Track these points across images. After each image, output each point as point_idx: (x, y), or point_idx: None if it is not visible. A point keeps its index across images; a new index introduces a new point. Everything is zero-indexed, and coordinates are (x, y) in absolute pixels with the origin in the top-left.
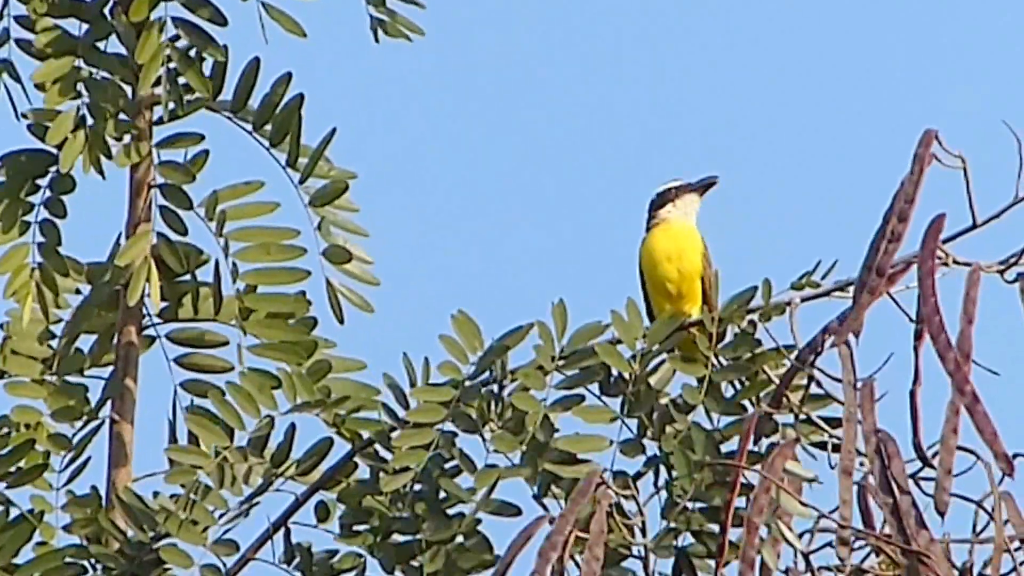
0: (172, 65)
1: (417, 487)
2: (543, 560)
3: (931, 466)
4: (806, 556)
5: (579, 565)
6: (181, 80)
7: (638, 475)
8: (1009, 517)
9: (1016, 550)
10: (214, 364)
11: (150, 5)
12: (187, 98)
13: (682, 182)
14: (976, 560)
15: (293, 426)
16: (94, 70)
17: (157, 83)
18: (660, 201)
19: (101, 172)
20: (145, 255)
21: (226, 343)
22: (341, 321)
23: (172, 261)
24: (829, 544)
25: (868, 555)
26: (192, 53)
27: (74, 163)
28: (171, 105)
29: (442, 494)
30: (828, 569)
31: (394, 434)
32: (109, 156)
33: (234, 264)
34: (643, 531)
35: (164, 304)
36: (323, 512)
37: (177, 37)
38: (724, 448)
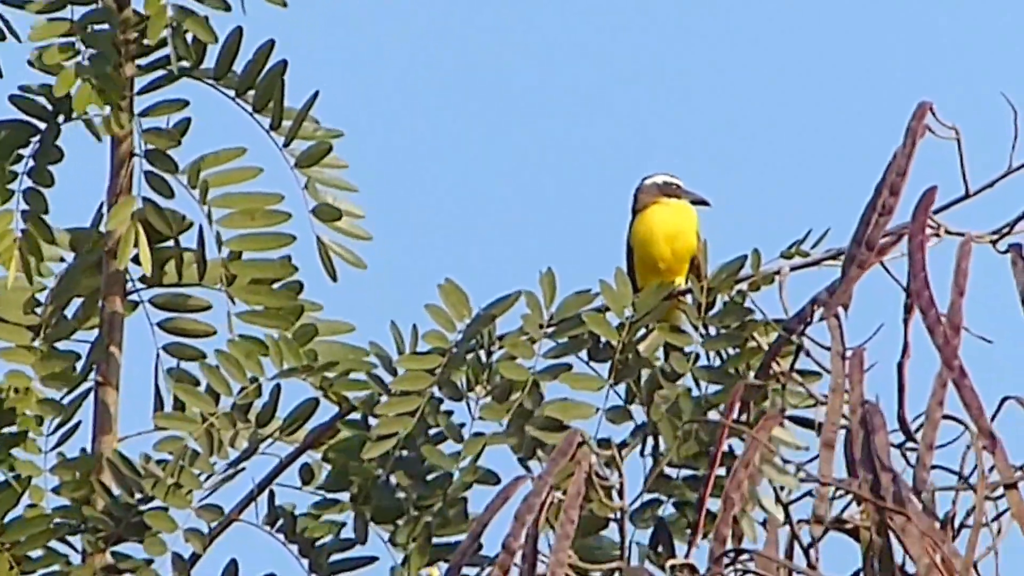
0: (174, 23)
1: (403, 453)
2: (519, 523)
3: (914, 440)
4: (785, 507)
5: (554, 528)
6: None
7: (623, 444)
8: (996, 463)
9: (998, 498)
10: (197, 328)
11: None
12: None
13: (681, 184)
14: (959, 510)
15: (278, 387)
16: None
17: (160, 44)
18: (661, 191)
19: (117, 114)
20: (131, 219)
21: (209, 307)
22: (334, 278)
23: (160, 225)
24: (809, 493)
25: (848, 505)
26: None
27: (87, 105)
28: (182, 62)
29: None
30: (807, 521)
31: (382, 399)
32: (119, 105)
33: (218, 232)
34: (620, 494)
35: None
36: (308, 474)
37: None
38: (712, 416)
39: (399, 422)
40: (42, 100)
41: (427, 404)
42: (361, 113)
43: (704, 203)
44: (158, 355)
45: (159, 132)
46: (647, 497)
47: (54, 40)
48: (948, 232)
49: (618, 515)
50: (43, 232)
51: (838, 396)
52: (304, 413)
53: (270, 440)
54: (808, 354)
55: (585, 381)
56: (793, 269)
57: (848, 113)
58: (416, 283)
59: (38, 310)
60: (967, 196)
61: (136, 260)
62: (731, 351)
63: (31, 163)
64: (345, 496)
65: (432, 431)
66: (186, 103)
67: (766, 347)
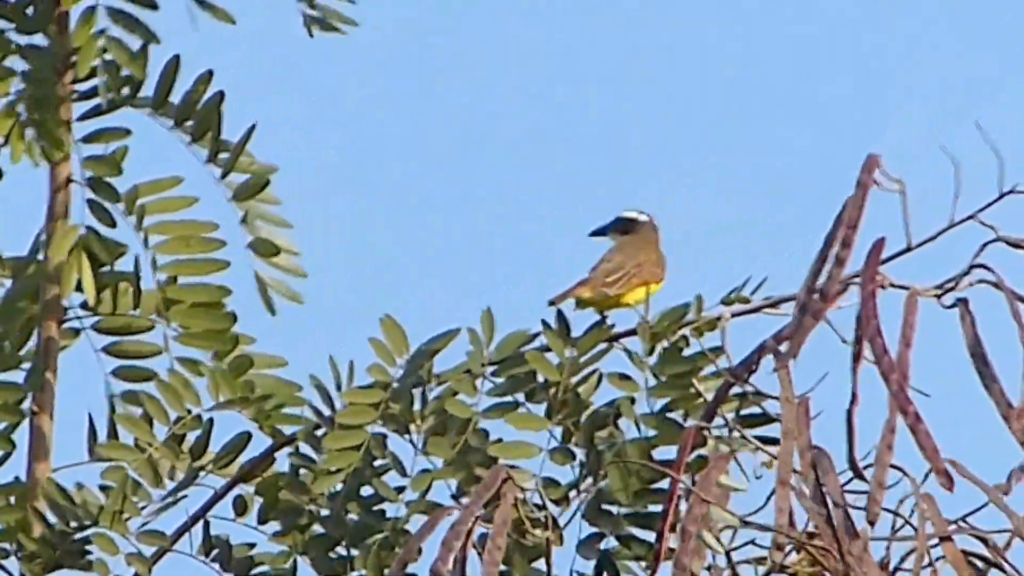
0: (108, 56)
1: (340, 485)
2: (446, 549)
3: (864, 479)
4: (727, 553)
5: (481, 555)
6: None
7: (570, 484)
8: (929, 517)
9: (934, 546)
10: (143, 350)
11: None
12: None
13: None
14: (893, 556)
15: (211, 420)
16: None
17: (91, 75)
18: (656, 233)
19: (50, 160)
20: (76, 248)
21: (152, 327)
22: (273, 313)
23: (102, 253)
24: (752, 541)
25: (789, 552)
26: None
27: (22, 155)
28: (110, 95)
29: (366, 491)
30: (747, 562)
31: (319, 431)
32: (61, 147)
33: (153, 257)
34: (547, 525)
35: (83, 298)
36: (241, 505)
37: (103, 30)
38: (655, 456)
39: (345, 457)
40: None
41: (372, 439)
42: (296, 145)
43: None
44: (107, 382)
45: (100, 160)
46: (590, 531)
47: None
48: (892, 285)
49: (544, 544)
50: None
51: (789, 440)
52: (238, 446)
53: (204, 472)
54: (755, 402)
55: (529, 421)
56: (734, 315)
57: (785, 157)
58: (346, 319)
59: None
60: (909, 249)
61: (77, 287)
62: (674, 398)
63: None
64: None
65: (377, 463)
66: (128, 132)
67: (706, 394)
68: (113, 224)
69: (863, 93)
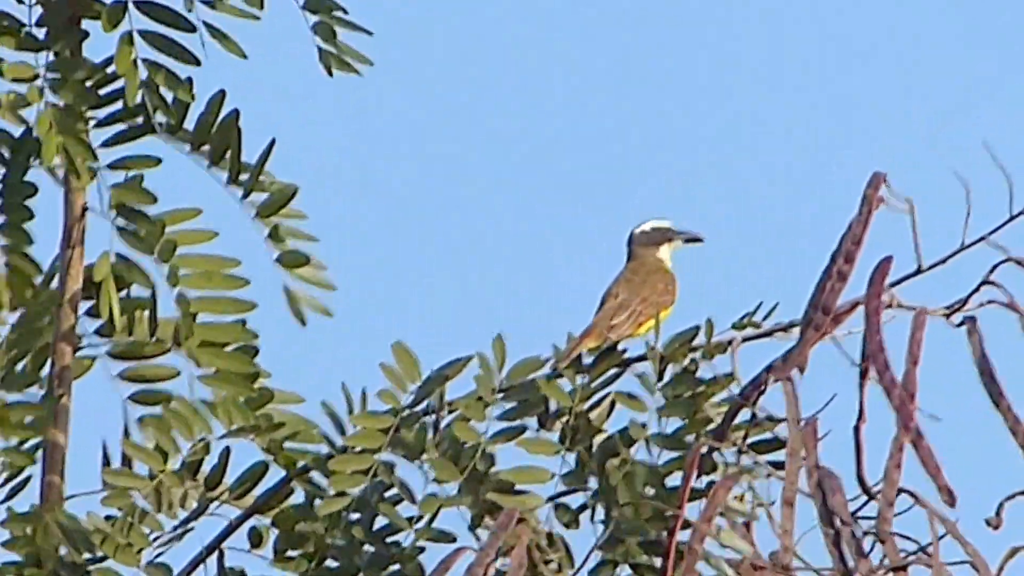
0: (144, 75)
1: (355, 515)
2: None
3: (874, 499)
4: None
5: None
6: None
7: (582, 508)
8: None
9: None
10: (159, 373)
11: (115, 20)
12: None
13: (671, 226)
14: None
15: (228, 449)
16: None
17: (117, 98)
18: (661, 238)
19: (74, 169)
20: (109, 274)
21: (168, 350)
22: (304, 324)
23: (141, 281)
24: None
25: None
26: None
27: (54, 155)
28: (163, 119)
29: (380, 522)
30: None
31: (331, 460)
32: (94, 155)
33: (180, 292)
34: (560, 568)
35: (99, 323)
36: (256, 537)
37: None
38: (667, 483)
39: (352, 480)
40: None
41: (380, 465)
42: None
43: (698, 240)
44: (125, 409)
45: (127, 187)
46: (601, 557)
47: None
48: (901, 306)
49: None
50: (26, 266)
51: (795, 460)
52: (254, 476)
53: (219, 502)
54: (760, 424)
55: (540, 445)
56: (745, 340)
57: (799, 187)
58: (362, 344)
59: None
60: (920, 271)
61: (90, 312)
62: (683, 419)
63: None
64: (294, 571)
65: (388, 493)
66: (158, 160)
67: (717, 418)
68: (151, 251)
69: (863, 93)
